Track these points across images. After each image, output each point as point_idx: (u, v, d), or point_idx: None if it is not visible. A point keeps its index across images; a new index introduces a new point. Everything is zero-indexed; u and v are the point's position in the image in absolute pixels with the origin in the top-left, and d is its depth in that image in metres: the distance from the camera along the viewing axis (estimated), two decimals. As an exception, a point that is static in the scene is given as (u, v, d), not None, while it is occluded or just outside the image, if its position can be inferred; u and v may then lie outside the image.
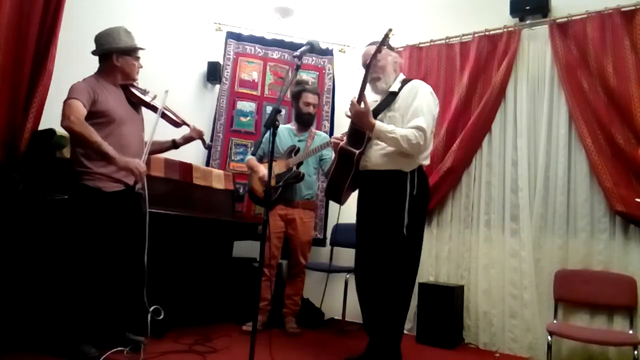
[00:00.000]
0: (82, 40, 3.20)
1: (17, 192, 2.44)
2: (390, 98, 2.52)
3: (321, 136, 3.63)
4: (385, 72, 2.53)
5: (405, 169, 2.41)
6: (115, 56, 2.48)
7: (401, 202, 2.37)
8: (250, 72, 4.35)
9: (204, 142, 2.88)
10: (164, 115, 2.64)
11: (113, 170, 2.40)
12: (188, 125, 2.78)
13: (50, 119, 2.65)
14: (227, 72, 4.31)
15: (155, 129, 2.55)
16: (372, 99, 2.58)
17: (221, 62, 4.34)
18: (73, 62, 3.09)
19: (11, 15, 2.48)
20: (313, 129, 3.67)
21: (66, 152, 2.54)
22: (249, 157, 3.53)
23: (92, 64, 3.23)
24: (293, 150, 3.45)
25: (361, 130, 2.47)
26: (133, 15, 3.67)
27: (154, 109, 2.63)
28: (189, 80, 4.31)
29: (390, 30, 2.42)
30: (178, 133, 2.85)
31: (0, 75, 2.45)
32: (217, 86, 4.38)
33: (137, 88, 2.64)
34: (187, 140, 2.82)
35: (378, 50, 2.43)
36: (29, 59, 2.58)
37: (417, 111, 2.38)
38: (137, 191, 2.50)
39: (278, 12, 4.46)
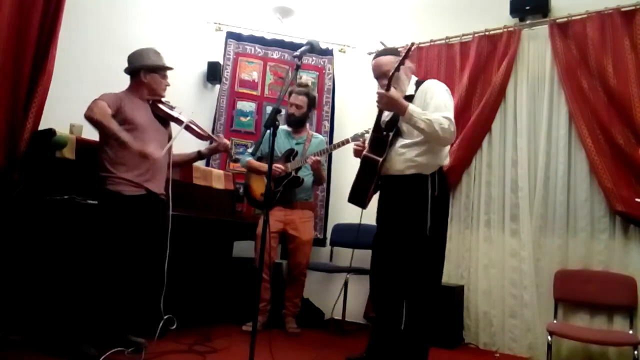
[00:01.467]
0: (82, 40, 3.22)
1: (16, 193, 2.44)
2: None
3: (318, 139, 3.60)
4: (400, 80, 2.48)
5: (426, 172, 2.40)
6: (142, 73, 2.60)
7: (423, 204, 2.36)
8: (250, 72, 4.35)
9: (230, 155, 2.95)
10: (189, 129, 2.72)
11: (135, 175, 2.46)
12: (214, 139, 2.89)
13: (50, 119, 2.66)
14: (227, 72, 4.30)
15: (175, 137, 2.69)
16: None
17: (221, 62, 4.34)
18: (73, 62, 3.10)
19: (11, 16, 2.48)
20: (310, 131, 3.65)
21: (66, 152, 2.54)
22: (248, 158, 3.50)
23: (92, 65, 3.26)
24: (291, 154, 3.44)
25: (383, 139, 2.48)
26: (133, 15, 3.68)
27: (180, 122, 2.70)
28: (189, 80, 4.31)
29: (413, 44, 2.43)
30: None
31: (0, 75, 2.46)
32: (217, 86, 4.38)
33: (164, 104, 2.72)
34: (212, 151, 2.95)
35: (397, 70, 2.38)
36: (29, 59, 2.59)
37: (440, 107, 2.34)
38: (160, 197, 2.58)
39: (278, 12, 4.46)
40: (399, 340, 2.41)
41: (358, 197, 2.57)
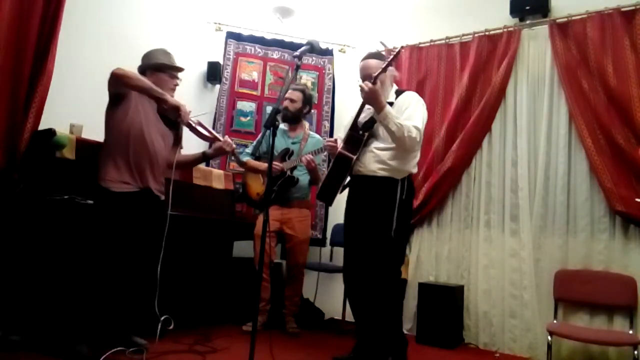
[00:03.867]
0: (82, 40, 3.22)
1: (16, 193, 2.44)
2: None
3: (315, 138, 3.59)
4: (384, 86, 2.58)
5: (397, 176, 2.51)
6: (148, 73, 2.62)
7: (391, 207, 2.47)
8: (250, 72, 4.35)
9: (237, 157, 2.90)
10: (193, 129, 2.69)
11: (130, 170, 2.45)
12: (219, 139, 2.82)
13: (50, 119, 2.66)
14: (227, 72, 4.30)
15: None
16: (369, 110, 2.61)
17: (221, 62, 4.34)
18: (73, 62, 3.10)
19: (11, 16, 2.48)
20: (307, 130, 3.62)
21: (66, 152, 2.54)
22: (247, 158, 3.49)
23: (92, 64, 3.25)
24: (287, 154, 3.43)
25: (359, 138, 2.56)
26: (133, 15, 3.68)
27: (187, 124, 2.67)
28: (189, 80, 4.30)
29: (402, 48, 2.55)
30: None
31: (0, 75, 2.45)
32: (217, 86, 4.38)
33: None
34: (217, 151, 2.85)
35: (388, 65, 2.48)
36: (29, 59, 2.58)
37: (411, 116, 2.49)
38: (156, 194, 2.58)
39: (278, 12, 4.46)
40: (375, 337, 2.48)
41: (327, 193, 2.66)
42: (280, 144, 3.49)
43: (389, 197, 2.48)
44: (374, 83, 2.41)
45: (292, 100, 3.48)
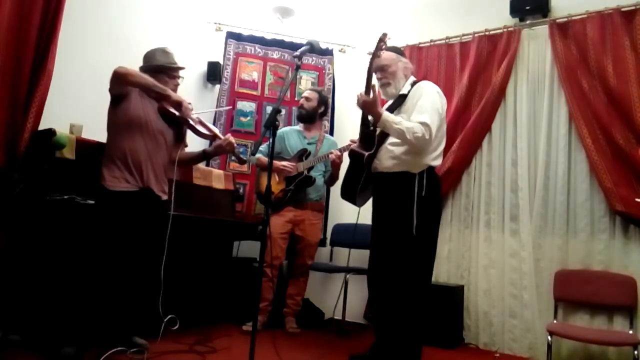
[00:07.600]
0: (82, 40, 3.22)
1: (16, 193, 2.44)
2: (400, 100, 2.56)
3: (330, 140, 3.62)
4: (396, 77, 2.58)
5: (413, 170, 2.43)
6: (149, 74, 2.58)
7: (409, 203, 2.38)
8: (250, 72, 4.35)
9: (238, 157, 2.83)
10: (191, 127, 2.67)
11: (129, 169, 2.44)
12: (220, 137, 2.78)
13: (50, 119, 2.66)
14: (227, 72, 4.30)
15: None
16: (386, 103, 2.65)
17: (221, 62, 4.34)
18: (73, 62, 3.10)
19: (11, 16, 2.48)
20: (323, 131, 3.66)
21: (66, 152, 2.54)
22: (258, 155, 3.48)
23: (92, 65, 3.26)
24: (304, 154, 3.45)
25: (371, 134, 2.54)
26: (133, 15, 3.68)
27: (184, 121, 2.66)
28: (189, 80, 4.28)
29: (385, 34, 2.47)
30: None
31: (0, 75, 2.45)
32: (217, 86, 4.38)
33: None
34: (217, 148, 2.80)
35: (373, 56, 2.49)
36: (29, 59, 2.59)
37: (421, 109, 2.40)
38: (157, 194, 2.57)
39: (278, 12, 4.46)
40: (391, 340, 2.43)
41: (347, 192, 2.65)
42: (296, 144, 3.51)
43: (407, 192, 2.40)
44: (367, 93, 2.43)
45: (307, 99, 3.53)
